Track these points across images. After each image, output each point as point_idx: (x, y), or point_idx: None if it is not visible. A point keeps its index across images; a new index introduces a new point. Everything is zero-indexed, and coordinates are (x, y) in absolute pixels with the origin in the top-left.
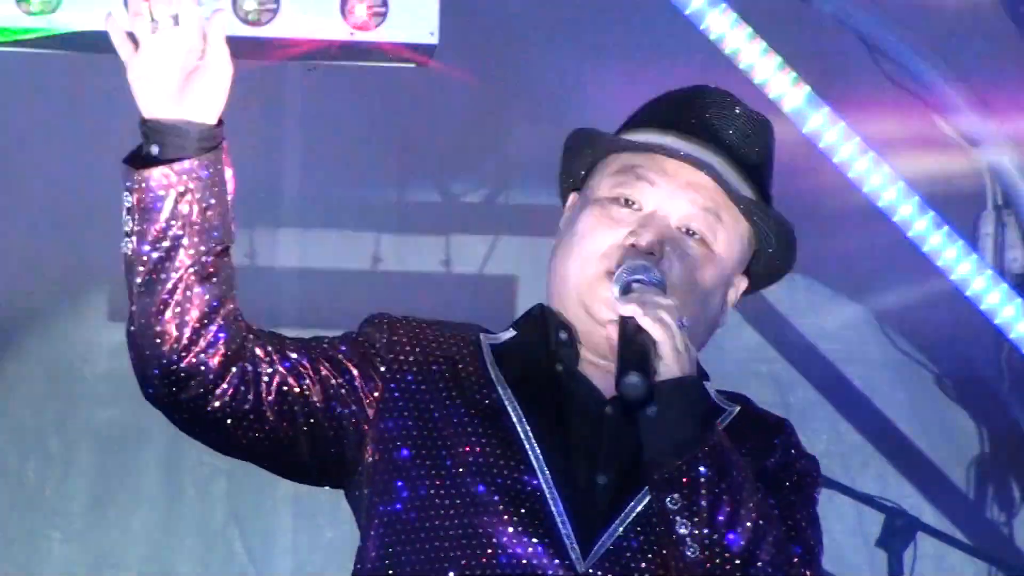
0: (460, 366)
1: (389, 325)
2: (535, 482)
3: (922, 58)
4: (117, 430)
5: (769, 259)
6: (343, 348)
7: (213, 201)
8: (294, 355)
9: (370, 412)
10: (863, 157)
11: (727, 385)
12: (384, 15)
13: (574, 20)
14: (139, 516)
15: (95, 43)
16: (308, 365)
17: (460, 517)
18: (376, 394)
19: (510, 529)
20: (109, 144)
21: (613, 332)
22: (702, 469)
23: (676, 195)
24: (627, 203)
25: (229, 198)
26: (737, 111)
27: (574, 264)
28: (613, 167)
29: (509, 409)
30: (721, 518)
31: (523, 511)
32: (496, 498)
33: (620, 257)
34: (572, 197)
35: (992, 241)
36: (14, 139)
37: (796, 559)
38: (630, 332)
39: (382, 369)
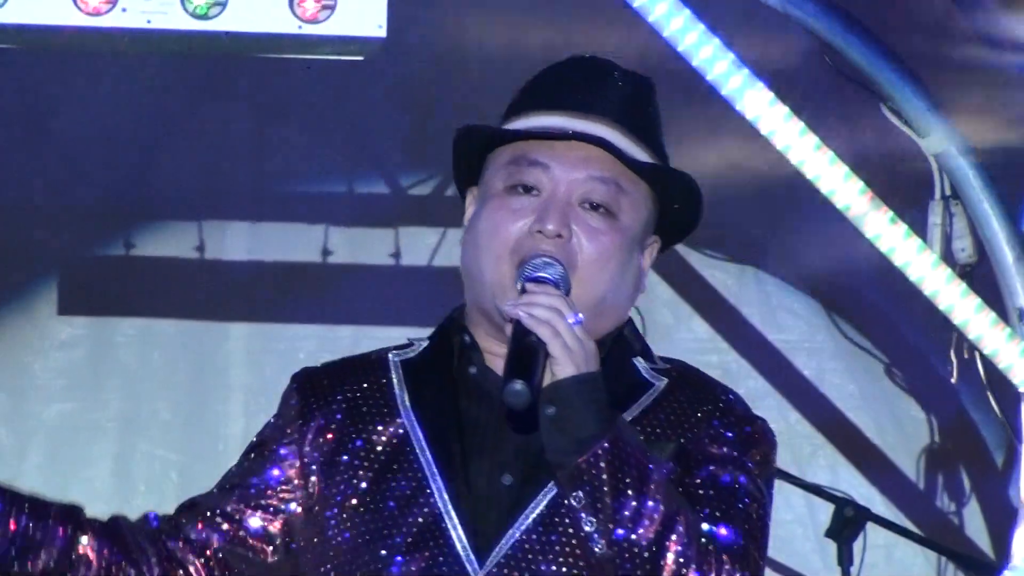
0: (362, 402)
1: (299, 389)
2: (432, 501)
3: (869, 48)
4: (68, 424)
5: (676, 215)
6: (258, 447)
7: None
8: (218, 512)
9: (304, 482)
10: (806, 143)
11: None
12: (332, 8)
13: (524, 12)
14: (90, 510)
15: (41, 38)
16: (240, 505)
17: (355, 564)
18: (301, 462)
19: (405, 559)
20: (55, 137)
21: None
22: (603, 465)
23: (572, 173)
24: (525, 190)
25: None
26: (616, 75)
27: (486, 261)
28: (505, 158)
29: (411, 433)
30: (626, 512)
31: (418, 537)
32: (393, 531)
33: (529, 247)
34: (470, 196)
35: (940, 231)
36: None
37: (712, 546)
38: (519, 336)
39: (296, 437)
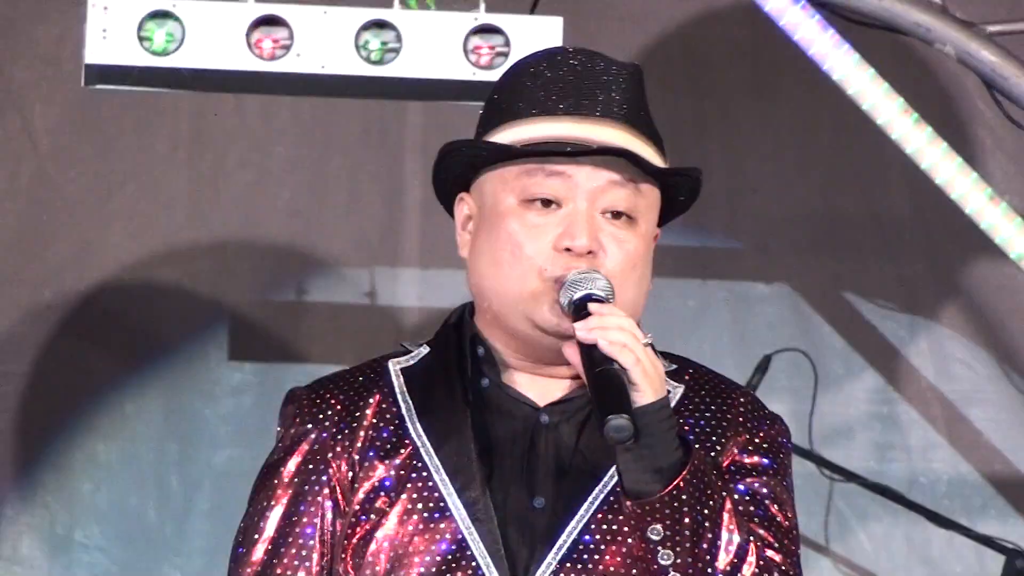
0: (371, 413)
1: (299, 414)
2: (454, 526)
3: None
4: (236, 470)
5: (676, 203)
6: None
7: None
8: None
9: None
10: (979, 193)
11: (847, 428)
12: (507, 55)
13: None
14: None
15: (217, 82)
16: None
17: None
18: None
19: None
20: (228, 180)
21: (572, 354)
22: (684, 498)
23: (592, 180)
24: (545, 204)
25: None
26: (613, 69)
27: (511, 278)
28: (515, 171)
29: (423, 452)
30: (704, 545)
31: (442, 564)
32: (414, 558)
33: (559, 264)
34: (461, 203)
35: None
36: (135, 177)
37: (776, 572)
38: (597, 362)
39: (326, 477)
